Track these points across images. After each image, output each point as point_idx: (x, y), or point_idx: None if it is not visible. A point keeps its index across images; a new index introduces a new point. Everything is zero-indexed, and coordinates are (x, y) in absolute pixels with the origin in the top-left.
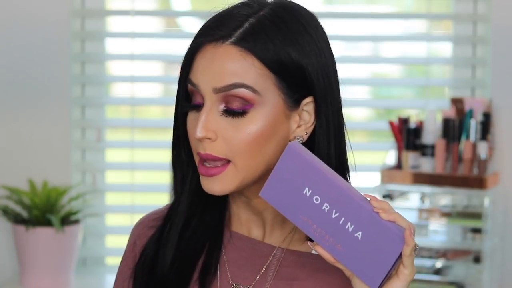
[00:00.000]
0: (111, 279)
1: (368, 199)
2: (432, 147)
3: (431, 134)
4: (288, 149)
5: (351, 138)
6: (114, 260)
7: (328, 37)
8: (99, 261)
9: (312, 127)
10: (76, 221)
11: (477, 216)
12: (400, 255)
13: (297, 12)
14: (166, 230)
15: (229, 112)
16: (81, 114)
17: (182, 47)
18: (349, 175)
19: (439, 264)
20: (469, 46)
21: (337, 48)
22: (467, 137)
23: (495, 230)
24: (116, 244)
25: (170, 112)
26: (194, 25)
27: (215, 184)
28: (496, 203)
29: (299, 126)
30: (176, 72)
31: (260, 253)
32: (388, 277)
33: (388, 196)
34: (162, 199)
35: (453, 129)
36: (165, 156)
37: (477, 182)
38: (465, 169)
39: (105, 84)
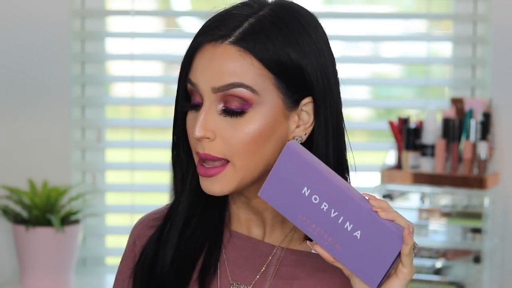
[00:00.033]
0: (111, 279)
1: (367, 198)
2: (432, 147)
3: (431, 134)
4: (286, 149)
5: (351, 138)
6: (114, 260)
7: (328, 37)
8: (99, 261)
9: (311, 127)
10: (76, 221)
11: (477, 216)
12: (399, 254)
13: (297, 13)
14: (166, 230)
15: (228, 112)
16: (81, 114)
17: (182, 47)
18: (348, 176)
19: (439, 264)
20: (469, 46)
21: (337, 48)
22: (467, 137)
23: (495, 230)
24: (116, 244)
25: (170, 112)
26: (194, 25)
27: (214, 185)
28: (496, 203)
29: (298, 127)
30: (176, 72)
31: (260, 252)
32: (387, 276)
33: (388, 196)
34: (162, 199)
35: (453, 129)
36: (165, 156)
37: (477, 182)
38: (465, 169)
39: (105, 84)
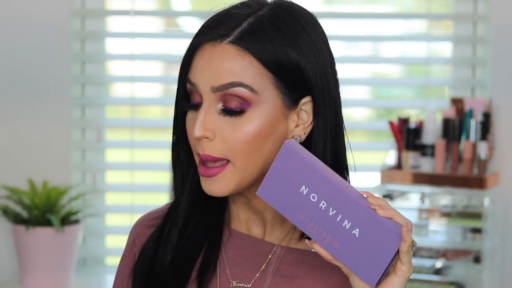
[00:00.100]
0: (111, 279)
1: (365, 196)
2: (432, 147)
3: (431, 134)
4: (284, 148)
5: (351, 138)
6: (114, 260)
7: (328, 37)
8: (99, 261)
9: (310, 127)
10: (76, 221)
11: (477, 216)
12: (398, 251)
13: (296, 12)
14: (166, 230)
15: (227, 111)
16: (81, 114)
17: (182, 47)
18: (348, 175)
19: (439, 264)
20: (469, 46)
21: (337, 48)
22: (467, 137)
23: (495, 230)
24: (116, 244)
25: (170, 112)
26: (194, 25)
27: (215, 186)
28: (496, 203)
29: (297, 126)
30: (176, 72)
31: (259, 251)
32: (386, 274)
33: (388, 196)
34: (162, 199)
35: (453, 129)
36: (165, 156)
37: (477, 182)
38: (465, 169)
39: (105, 84)
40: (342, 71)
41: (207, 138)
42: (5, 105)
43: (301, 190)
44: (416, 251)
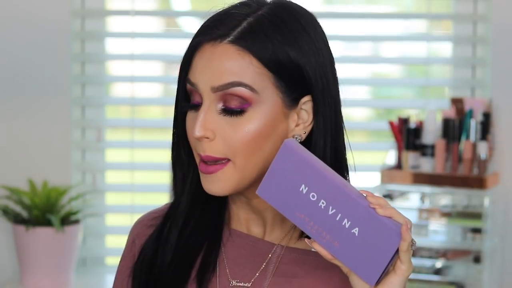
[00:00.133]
0: (111, 279)
1: (365, 195)
2: (432, 147)
3: (431, 134)
4: (284, 147)
5: (351, 138)
6: (114, 260)
7: (328, 37)
8: (99, 261)
9: (311, 126)
10: (76, 221)
11: (477, 216)
12: (397, 250)
13: (295, 12)
14: (165, 229)
15: (227, 111)
16: (81, 114)
17: (182, 47)
18: (348, 175)
19: (439, 264)
20: (469, 46)
21: (337, 48)
22: (467, 137)
23: (495, 230)
24: (116, 244)
25: (170, 112)
26: (194, 25)
27: (215, 185)
28: (496, 203)
29: (297, 125)
30: (176, 72)
31: (259, 250)
32: (385, 273)
33: (388, 196)
34: (162, 199)
35: (453, 129)
36: (165, 156)
37: (477, 182)
38: (465, 169)
39: (105, 84)
40: (342, 71)
41: (208, 138)
42: (5, 105)
43: (300, 189)
44: (416, 251)
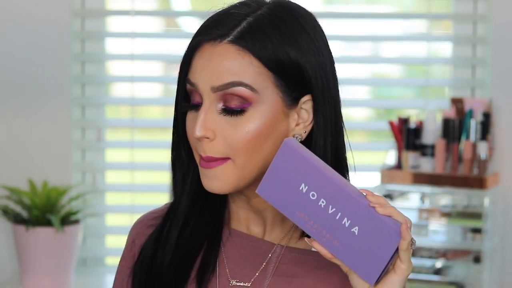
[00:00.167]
0: (111, 279)
1: (364, 194)
2: (432, 147)
3: (431, 134)
4: (283, 146)
5: (351, 138)
6: (114, 260)
7: (328, 37)
8: (99, 261)
9: (311, 125)
10: (76, 221)
11: (477, 216)
12: (397, 249)
13: (295, 11)
14: (165, 229)
15: (228, 111)
16: (81, 114)
17: (182, 47)
18: (348, 174)
19: (439, 264)
20: (469, 46)
21: (337, 48)
22: (467, 137)
23: (495, 230)
24: (116, 244)
25: (170, 112)
26: (194, 25)
27: (215, 182)
28: (496, 203)
29: (297, 125)
30: (176, 72)
31: (259, 250)
32: (385, 272)
33: (388, 196)
34: (162, 199)
35: (453, 129)
36: (165, 156)
37: (477, 182)
38: (465, 169)
39: (105, 84)
40: (342, 71)
41: (208, 138)
42: (5, 105)
43: (300, 188)
44: (416, 251)
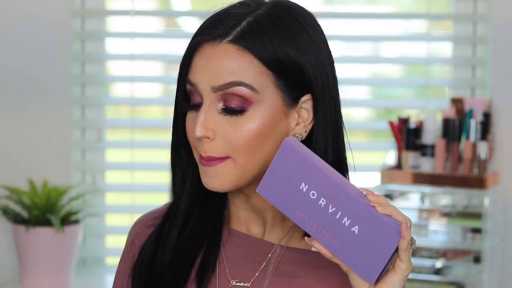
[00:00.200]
0: (111, 279)
1: (364, 193)
2: (432, 147)
3: (431, 134)
4: (284, 145)
5: (351, 138)
6: (114, 260)
7: (328, 37)
8: (99, 261)
9: (311, 125)
10: (76, 221)
11: (477, 216)
12: (397, 249)
13: (294, 11)
14: (165, 230)
15: (228, 111)
16: (81, 114)
17: (182, 47)
18: (347, 174)
19: (439, 264)
20: (469, 46)
21: (337, 48)
22: (467, 137)
23: (495, 230)
24: (116, 244)
25: (170, 112)
26: (194, 25)
27: (215, 181)
28: (496, 203)
29: (297, 124)
30: (175, 72)
31: (259, 250)
32: (385, 272)
33: (388, 196)
34: (162, 199)
35: (453, 129)
36: (165, 156)
37: (477, 182)
38: (465, 169)
39: (105, 84)
40: (342, 71)
41: (208, 138)
42: (5, 105)
43: (300, 188)
44: (416, 251)
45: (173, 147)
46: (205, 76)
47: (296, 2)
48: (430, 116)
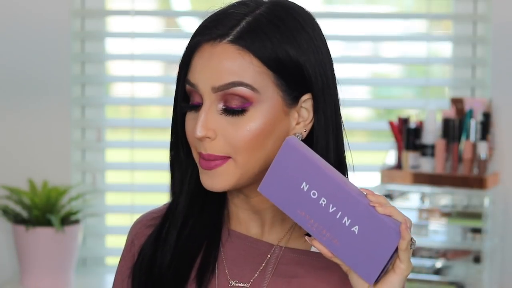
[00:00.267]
0: (111, 279)
1: (365, 193)
2: (432, 147)
3: (431, 134)
4: (285, 144)
5: (351, 138)
6: (114, 260)
7: (328, 37)
8: (99, 261)
9: (311, 124)
10: (76, 221)
11: (477, 216)
12: (397, 249)
13: (293, 10)
14: (164, 230)
15: (228, 111)
16: (81, 114)
17: (182, 47)
18: (347, 173)
19: (439, 264)
20: (469, 46)
21: (337, 48)
22: (467, 137)
23: (495, 230)
24: (116, 244)
25: (170, 112)
26: (194, 25)
27: (215, 181)
28: (496, 203)
29: (298, 123)
30: (175, 72)
31: (258, 250)
32: (385, 272)
33: (388, 196)
34: (162, 199)
35: (453, 129)
36: (165, 156)
37: (477, 182)
38: (465, 169)
39: (105, 84)
40: (342, 71)
41: (209, 138)
42: (5, 105)
43: (301, 187)
44: (416, 251)
45: (172, 147)
46: (205, 77)
47: (295, 2)
48: (430, 116)
